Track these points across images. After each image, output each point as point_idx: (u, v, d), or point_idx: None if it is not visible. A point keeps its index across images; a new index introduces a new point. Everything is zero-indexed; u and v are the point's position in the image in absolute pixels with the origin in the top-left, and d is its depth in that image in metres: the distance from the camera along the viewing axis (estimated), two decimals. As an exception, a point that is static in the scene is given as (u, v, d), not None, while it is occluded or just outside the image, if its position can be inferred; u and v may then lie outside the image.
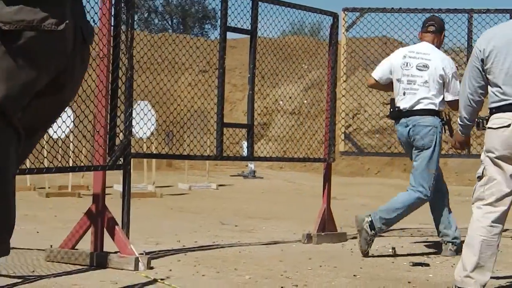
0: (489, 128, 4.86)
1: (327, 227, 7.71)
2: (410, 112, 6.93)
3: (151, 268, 5.70)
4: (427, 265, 6.32)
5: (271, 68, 7.56)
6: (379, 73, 7.21)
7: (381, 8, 8.18)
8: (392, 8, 8.18)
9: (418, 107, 6.91)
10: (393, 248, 7.02)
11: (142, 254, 5.89)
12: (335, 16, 7.79)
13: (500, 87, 4.79)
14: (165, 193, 13.62)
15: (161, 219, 9.60)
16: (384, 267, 6.20)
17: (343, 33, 8.07)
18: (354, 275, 5.74)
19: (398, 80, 7.03)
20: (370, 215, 6.82)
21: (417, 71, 6.95)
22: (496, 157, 4.79)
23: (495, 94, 4.82)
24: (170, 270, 5.68)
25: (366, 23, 8.20)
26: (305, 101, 7.81)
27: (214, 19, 44.92)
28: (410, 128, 6.91)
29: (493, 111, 4.84)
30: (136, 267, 5.60)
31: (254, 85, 6.92)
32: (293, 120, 9.16)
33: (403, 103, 6.96)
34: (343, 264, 6.24)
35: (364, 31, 8.23)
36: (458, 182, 18.95)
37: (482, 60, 4.86)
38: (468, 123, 5.19)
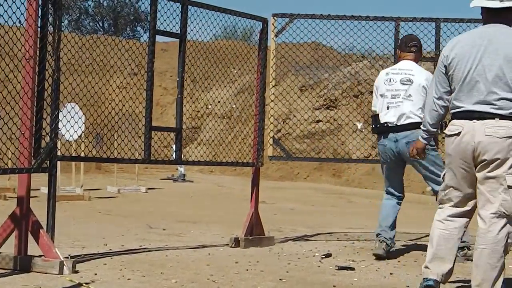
0: (445, 134, 4.96)
1: (255, 231, 7.74)
2: (398, 127, 7.06)
3: (76, 272, 5.63)
4: (352, 269, 6.39)
5: (202, 71, 7.55)
6: (374, 103, 7.36)
7: (310, 14, 8.25)
8: (321, 14, 8.26)
9: (405, 121, 7.04)
10: (325, 255, 7.09)
11: (67, 257, 5.82)
12: (264, 21, 7.83)
13: (457, 94, 4.87)
14: (94, 196, 13.47)
15: (89, 223, 9.50)
16: (310, 271, 6.24)
17: (273, 38, 8.11)
18: (280, 279, 5.77)
19: (382, 95, 7.20)
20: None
21: (401, 85, 7.12)
22: (450, 161, 4.91)
23: (452, 101, 4.91)
24: (96, 274, 5.62)
25: (295, 29, 8.26)
26: (234, 106, 7.80)
27: (145, 22, 44.62)
28: (400, 144, 7.02)
29: (451, 117, 4.93)
30: (61, 271, 5.52)
31: (183, 88, 6.91)
32: (224, 124, 9.15)
33: (388, 118, 7.11)
34: (269, 268, 6.27)
35: (293, 36, 8.29)
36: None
37: (445, 67, 4.94)
38: (431, 128, 5.22)
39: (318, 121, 21.74)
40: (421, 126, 5.34)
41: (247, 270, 6.14)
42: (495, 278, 4.69)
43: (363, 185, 19.96)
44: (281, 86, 9.13)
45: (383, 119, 7.14)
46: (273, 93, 8.19)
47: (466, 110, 4.80)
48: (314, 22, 8.29)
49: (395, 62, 8.32)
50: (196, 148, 9.14)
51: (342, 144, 17.06)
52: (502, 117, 4.69)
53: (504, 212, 4.71)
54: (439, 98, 5.02)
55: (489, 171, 4.73)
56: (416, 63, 7.34)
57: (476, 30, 5.02)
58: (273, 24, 8.12)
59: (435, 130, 5.25)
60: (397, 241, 8.14)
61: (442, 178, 5.08)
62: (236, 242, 7.56)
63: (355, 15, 8.23)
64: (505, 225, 4.71)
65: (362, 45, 8.60)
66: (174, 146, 7.20)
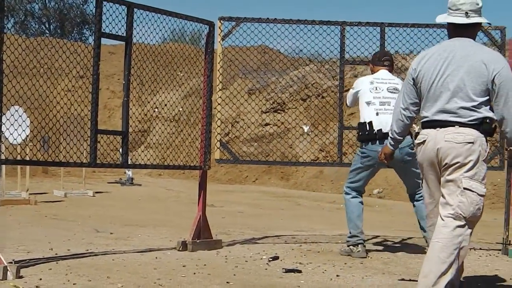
0: (415, 144, 5.17)
1: (203, 235, 7.72)
2: None
3: (20, 277, 5.55)
4: (299, 271, 6.41)
5: (149, 74, 7.51)
6: (350, 100, 7.77)
7: (257, 18, 8.27)
8: (268, 18, 8.28)
9: None
10: (273, 258, 7.11)
11: (11, 262, 5.73)
12: (211, 25, 7.83)
13: (424, 105, 5.07)
14: (40, 200, 13.29)
15: (34, 227, 9.37)
16: (257, 274, 6.25)
17: (219, 42, 8.11)
18: (227, 282, 5.77)
19: (368, 103, 7.50)
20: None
21: (389, 93, 7.47)
22: (421, 169, 5.13)
23: (421, 111, 5.11)
24: (40, 279, 5.55)
25: (242, 32, 8.26)
26: (180, 109, 7.79)
27: (92, 24, 44.25)
28: (397, 150, 7.13)
29: (421, 127, 5.14)
30: (4, 276, 5.44)
31: (129, 92, 6.87)
32: (171, 128, 9.10)
33: (380, 125, 7.36)
34: (217, 271, 6.26)
35: (240, 40, 8.29)
36: (333, 190, 19.34)
37: (413, 79, 5.14)
38: (398, 137, 5.41)
39: (266, 124, 21.79)
40: (389, 133, 5.50)
41: (195, 273, 6.12)
42: (442, 273, 4.73)
43: (311, 188, 20.05)
44: (229, 90, 9.13)
45: (376, 126, 7.35)
46: (220, 97, 8.19)
47: (430, 119, 5.01)
48: (261, 26, 8.30)
49: (341, 66, 8.40)
50: (143, 151, 9.06)
51: (290, 147, 17.15)
52: (461, 124, 4.89)
53: (461, 214, 4.82)
54: (405, 109, 5.23)
55: (448, 175, 4.89)
56: None
57: (443, 43, 5.21)
58: (219, 28, 8.12)
59: (401, 138, 5.43)
60: (339, 243, 8.20)
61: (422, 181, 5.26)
62: (184, 246, 7.54)
63: (301, 19, 8.27)
64: (462, 226, 4.81)
65: (308, 49, 8.65)
66: (121, 150, 7.15)
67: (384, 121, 7.35)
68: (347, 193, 7.65)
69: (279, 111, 22.70)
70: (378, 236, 9.43)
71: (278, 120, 21.46)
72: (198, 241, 7.63)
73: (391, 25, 8.33)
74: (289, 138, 9.13)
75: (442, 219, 4.86)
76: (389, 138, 5.53)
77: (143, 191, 17.60)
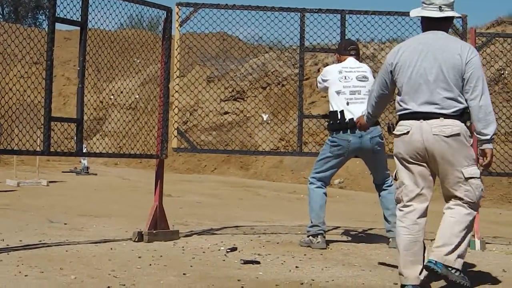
0: (394, 135, 5.33)
1: (159, 225, 7.68)
2: None
3: (-30, 269, 5.47)
4: (258, 262, 6.41)
5: (104, 61, 7.43)
6: (320, 87, 7.83)
7: (215, 4, 8.22)
8: (227, 4, 8.23)
9: None
10: (231, 249, 7.11)
11: (-39, 254, 5.64)
12: (168, 10, 7.76)
13: (403, 97, 5.25)
14: (-8, 190, 13.14)
15: (-15, 218, 9.25)
16: (214, 265, 6.23)
17: (177, 28, 8.05)
18: (184, 274, 5.74)
19: (338, 92, 7.54)
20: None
21: (359, 82, 7.55)
22: (402, 160, 5.27)
23: (399, 104, 5.28)
24: (-9, 271, 5.47)
25: (200, 18, 8.20)
26: (137, 96, 7.72)
27: (47, 9, 43.73)
28: (364, 139, 7.45)
29: (398, 118, 5.30)
30: (-47, 269, 5.35)
31: (84, 78, 6.80)
32: (128, 115, 9.03)
33: (350, 114, 7.42)
34: (173, 263, 6.23)
35: (198, 26, 8.24)
36: (294, 180, 19.39)
37: (391, 72, 5.34)
38: (371, 117, 5.81)
39: (225, 112, 21.77)
40: (365, 113, 5.84)
41: (150, 265, 6.09)
42: (456, 245, 5.09)
43: (270, 178, 20.09)
44: (187, 77, 9.07)
45: (348, 115, 7.46)
46: (178, 84, 8.14)
47: (413, 111, 5.20)
48: (220, 12, 8.25)
49: (301, 54, 8.39)
50: (99, 140, 8.99)
51: (249, 136, 17.14)
52: (446, 116, 5.11)
53: (469, 201, 5.17)
54: (378, 97, 5.54)
55: (443, 169, 5.15)
56: None
57: (417, 37, 5.42)
58: (177, 13, 8.05)
59: (374, 118, 5.86)
60: (298, 234, 8.22)
61: (395, 177, 5.43)
62: (140, 236, 7.49)
63: (261, 5, 8.24)
64: (471, 207, 5.17)
65: (268, 36, 8.63)
66: (75, 138, 7.07)
67: (354, 111, 7.40)
68: (311, 183, 7.65)
69: (238, 99, 22.69)
70: (339, 227, 9.47)
71: (237, 109, 21.44)
72: (154, 231, 7.58)
73: (351, 12, 8.33)
74: (248, 127, 9.13)
75: (451, 208, 5.19)
76: (365, 116, 5.86)
77: (99, 180, 17.47)
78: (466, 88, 5.09)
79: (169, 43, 7.77)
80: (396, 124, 5.33)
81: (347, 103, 7.50)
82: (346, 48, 7.80)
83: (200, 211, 11.40)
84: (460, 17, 5.54)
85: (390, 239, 7.49)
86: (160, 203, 7.74)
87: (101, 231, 8.25)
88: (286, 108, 10.19)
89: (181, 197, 13.83)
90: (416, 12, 5.36)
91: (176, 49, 8.06)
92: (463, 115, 5.12)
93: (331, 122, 7.62)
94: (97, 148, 7.81)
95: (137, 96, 7.97)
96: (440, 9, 5.23)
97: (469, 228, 5.18)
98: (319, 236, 7.45)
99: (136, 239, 7.46)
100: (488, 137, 5.15)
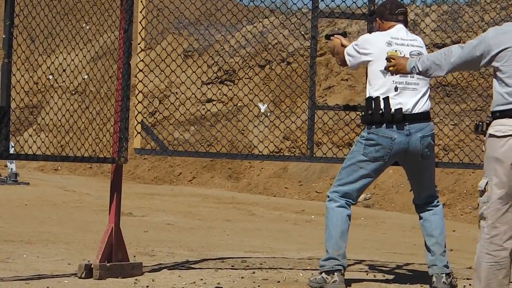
0: (492, 135, 5.56)
1: (115, 256, 7.67)
2: (414, 116, 7.40)
3: None
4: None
5: (40, 26, 7.43)
6: (353, 61, 7.70)
7: None
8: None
9: (422, 109, 7.45)
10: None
11: None
12: (130, -46, 7.77)
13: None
14: None
15: None
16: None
17: (142, -19, 8.05)
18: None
19: (385, 72, 7.27)
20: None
21: None
22: (496, 169, 5.49)
23: (505, 96, 5.51)
24: None
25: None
26: (86, 76, 7.68)
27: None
28: (413, 138, 7.41)
29: (498, 115, 5.52)
30: None
31: (12, 50, 6.79)
32: (75, 103, 9.02)
33: (398, 104, 7.36)
34: (133, 308, 6.24)
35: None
36: (302, 195, 19.44)
37: (489, 54, 5.59)
38: (415, 71, 6.12)
39: (208, 100, 21.80)
40: (417, 64, 6.05)
41: (102, 311, 6.09)
42: None
43: (270, 192, 20.16)
44: (155, 51, 9.07)
45: (394, 104, 7.33)
46: (143, 60, 8.12)
47: None
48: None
49: (314, 20, 8.38)
50: (32, 136, 8.97)
51: (241, 134, 17.08)
52: None
53: None
54: (450, 69, 5.87)
55: None
56: None
57: None
58: (143, -40, 8.06)
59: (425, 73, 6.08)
60: (307, 270, 8.22)
61: (484, 188, 5.56)
62: (88, 271, 7.48)
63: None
64: None
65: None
66: (-1, 134, 7.06)
67: (404, 100, 7.35)
68: (331, 200, 7.55)
69: (226, 82, 22.75)
70: (363, 261, 9.47)
71: (225, 95, 21.47)
72: (108, 265, 7.58)
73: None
74: (240, 121, 9.08)
75: None
76: (415, 64, 6.05)
77: (32, 192, 17.49)
78: None
79: (131, 3, 7.76)
80: (492, 122, 5.55)
81: (396, 88, 7.40)
82: (392, 11, 7.66)
83: (172, 237, 11.42)
84: None
85: (434, 278, 7.48)
86: (117, 225, 7.73)
87: (34, 263, 8.25)
88: (292, 96, 10.17)
89: (146, 217, 13.85)
90: None
91: (141, 12, 8.05)
92: None
93: (369, 112, 7.51)
94: (30, 148, 7.78)
95: (86, 76, 7.92)
96: None
97: None
98: (336, 274, 7.42)
99: (83, 275, 7.46)
100: None
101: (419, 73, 6.07)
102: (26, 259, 8.56)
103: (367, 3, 8.23)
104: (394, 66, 6.28)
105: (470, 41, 5.74)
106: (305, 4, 8.62)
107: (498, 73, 5.55)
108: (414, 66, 6.03)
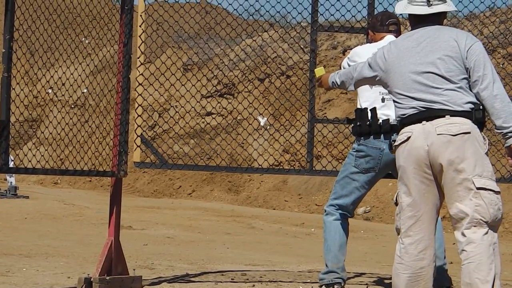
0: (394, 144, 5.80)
1: (115, 269, 7.66)
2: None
3: None
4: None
5: (40, 40, 7.44)
6: (353, 79, 7.71)
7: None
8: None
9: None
10: None
11: None
12: (130, -29, 7.79)
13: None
14: None
15: None
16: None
17: (141, -4, 8.07)
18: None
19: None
20: None
21: None
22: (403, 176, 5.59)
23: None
24: None
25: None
26: (85, 90, 7.69)
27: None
28: None
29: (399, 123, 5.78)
30: None
31: (11, 64, 6.79)
32: (75, 117, 9.03)
33: (385, 114, 7.33)
34: (133, 322, 6.22)
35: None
36: (302, 208, 19.41)
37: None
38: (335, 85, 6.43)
39: (208, 114, 21.81)
40: (335, 79, 6.35)
41: (101, 324, 6.08)
42: None
43: (269, 205, 20.13)
44: (155, 65, 9.08)
45: (381, 115, 7.31)
46: (142, 74, 8.13)
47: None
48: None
49: (314, 34, 8.39)
50: (32, 150, 8.97)
51: (241, 147, 17.09)
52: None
53: (481, 219, 5.37)
54: (355, 84, 6.32)
55: (450, 178, 5.44)
56: None
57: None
58: (142, -25, 8.07)
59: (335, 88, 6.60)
60: (307, 283, 8.21)
61: (396, 200, 5.69)
62: (88, 285, 7.47)
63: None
64: (486, 233, 5.36)
65: (268, 9, 8.64)
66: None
67: (391, 110, 7.33)
68: (328, 214, 7.57)
69: (226, 95, 22.73)
70: (363, 273, 9.46)
71: (225, 109, 21.47)
72: (108, 278, 7.57)
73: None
74: (240, 134, 9.08)
75: (463, 235, 5.38)
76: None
77: (32, 206, 17.47)
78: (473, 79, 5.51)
79: (131, 17, 7.77)
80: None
81: (382, 99, 7.43)
82: (383, 22, 7.72)
83: (172, 250, 11.40)
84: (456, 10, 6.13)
85: None
86: (117, 238, 7.72)
87: (34, 277, 8.24)
88: (291, 109, 10.18)
89: (146, 230, 13.83)
90: (401, 9, 5.86)
91: (140, 26, 8.06)
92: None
93: (358, 123, 7.52)
94: (29, 161, 7.78)
95: (86, 90, 7.93)
96: (429, 3, 5.71)
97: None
98: (335, 287, 7.44)
99: (83, 289, 7.45)
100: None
101: (339, 86, 6.33)
102: (25, 273, 8.55)
103: (366, 17, 8.25)
104: (319, 82, 6.62)
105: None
106: (304, 18, 8.63)
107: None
108: (333, 81, 6.33)
